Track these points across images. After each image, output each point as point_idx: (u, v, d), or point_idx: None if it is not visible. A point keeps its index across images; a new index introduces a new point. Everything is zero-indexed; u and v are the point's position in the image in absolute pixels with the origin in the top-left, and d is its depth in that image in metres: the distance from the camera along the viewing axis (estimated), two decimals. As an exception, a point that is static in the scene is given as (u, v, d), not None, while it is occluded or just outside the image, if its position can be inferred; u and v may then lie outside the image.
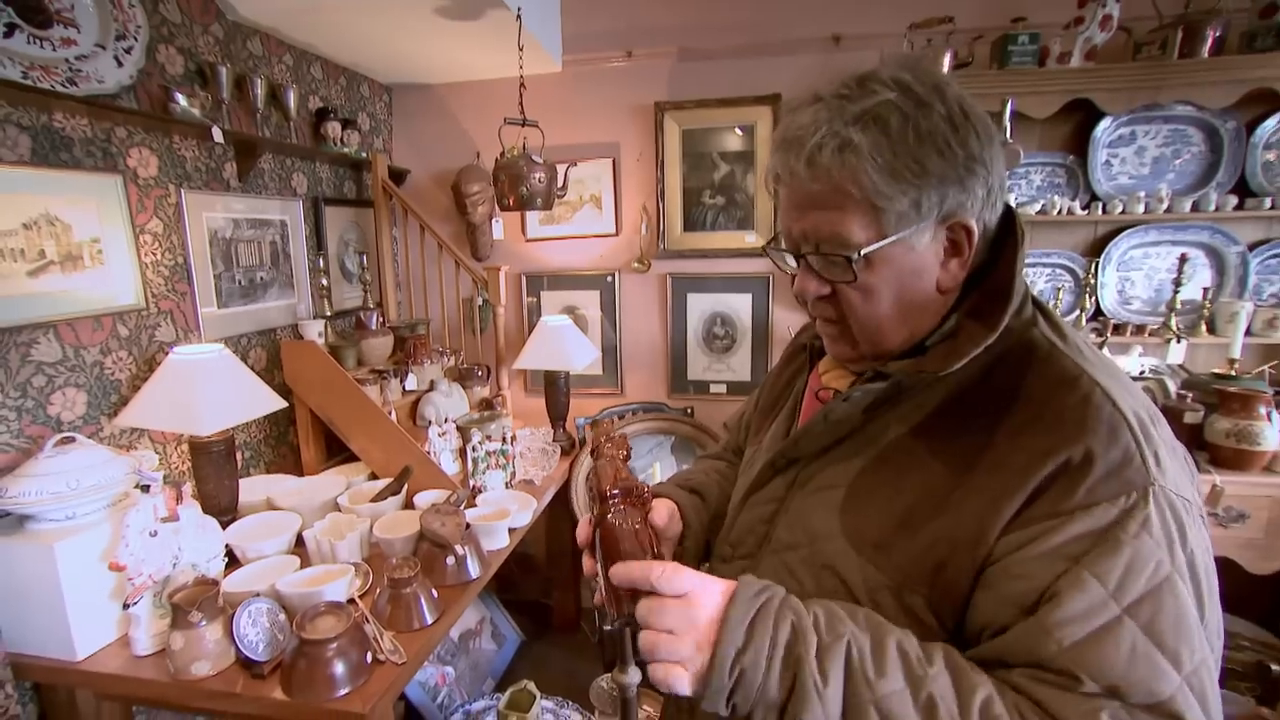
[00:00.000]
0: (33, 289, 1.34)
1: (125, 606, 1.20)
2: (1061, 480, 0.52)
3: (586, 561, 0.70)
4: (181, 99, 1.60)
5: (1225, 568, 1.86)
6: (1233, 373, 1.91)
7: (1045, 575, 0.50)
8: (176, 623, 1.17)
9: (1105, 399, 0.54)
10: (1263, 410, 1.74)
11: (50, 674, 1.23)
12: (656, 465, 2.25)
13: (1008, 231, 0.62)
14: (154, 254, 1.63)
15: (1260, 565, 1.79)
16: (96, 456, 1.27)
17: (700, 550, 0.79)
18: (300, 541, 1.59)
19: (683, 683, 0.53)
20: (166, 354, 1.55)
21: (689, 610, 0.54)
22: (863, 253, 0.58)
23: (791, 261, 0.65)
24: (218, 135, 1.68)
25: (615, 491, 0.67)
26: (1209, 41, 1.84)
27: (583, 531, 0.70)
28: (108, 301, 1.50)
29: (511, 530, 1.76)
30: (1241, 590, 2.13)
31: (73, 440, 1.30)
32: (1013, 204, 0.64)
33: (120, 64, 1.48)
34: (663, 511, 0.73)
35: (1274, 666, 1.86)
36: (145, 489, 1.31)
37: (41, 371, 1.37)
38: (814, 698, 0.50)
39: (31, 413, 1.35)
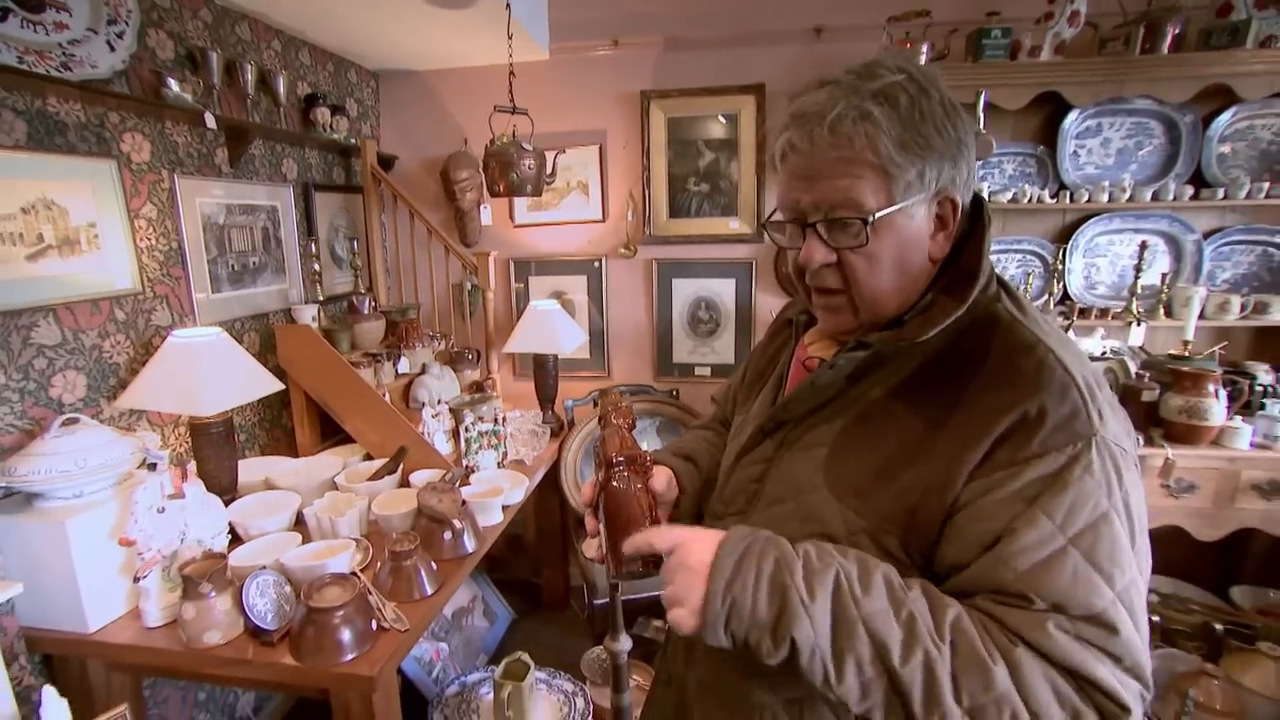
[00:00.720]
0: (32, 273, 1.36)
1: (136, 580, 1.25)
2: (1019, 432, 0.59)
3: (590, 521, 0.77)
4: (173, 84, 1.61)
5: (1175, 535, 1.99)
6: (1186, 354, 2.03)
7: (1004, 517, 0.58)
8: (188, 594, 1.22)
9: (1057, 363, 0.62)
10: (1211, 388, 1.85)
11: (63, 646, 1.28)
12: (644, 445, 2.32)
13: (976, 216, 0.70)
14: (149, 239, 1.65)
15: (1207, 533, 1.92)
16: (102, 437, 1.31)
17: (694, 512, 0.86)
18: (300, 519, 1.64)
19: (685, 620, 0.61)
20: (163, 338, 1.58)
21: (683, 557, 0.63)
22: (877, 215, 0.63)
23: (783, 238, 0.71)
24: (210, 121, 1.69)
25: (620, 459, 0.73)
26: (1169, 38, 1.93)
27: (587, 493, 0.77)
28: (105, 285, 1.52)
29: (505, 507, 1.82)
30: (1190, 557, 2.28)
31: (77, 421, 1.33)
32: (983, 193, 0.71)
33: (112, 49, 1.49)
34: (661, 479, 0.81)
35: (1218, 627, 2.00)
36: (152, 467, 1.35)
37: (42, 354, 1.39)
38: (802, 614, 0.57)
39: (34, 395, 1.38)
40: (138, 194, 1.61)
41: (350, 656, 1.20)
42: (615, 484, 0.72)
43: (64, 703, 0.95)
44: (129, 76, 1.56)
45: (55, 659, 1.34)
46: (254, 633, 1.25)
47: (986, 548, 0.59)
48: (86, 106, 1.46)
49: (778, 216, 0.71)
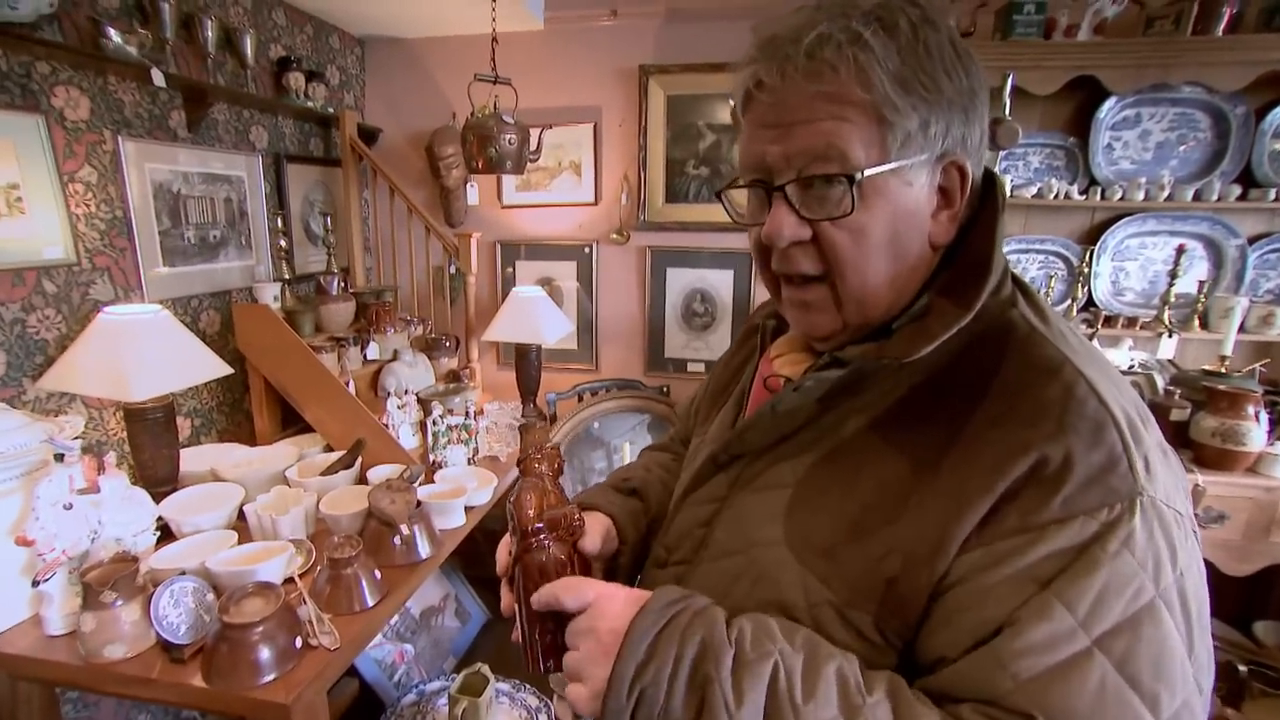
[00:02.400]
0: (-60, 237, 1.23)
1: (35, 584, 1.13)
2: (1034, 486, 0.45)
3: (505, 596, 0.62)
4: (115, 35, 1.46)
5: (1201, 569, 1.83)
6: (1223, 370, 1.85)
7: (1009, 602, 0.43)
8: (88, 603, 1.09)
9: (1090, 392, 0.47)
10: (1251, 410, 1.68)
11: (-44, 651, 1.16)
12: (628, 445, 2.19)
13: (986, 198, 0.54)
14: (86, 205, 1.51)
15: (1235, 567, 1.75)
16: (8, 422, 1.18)
17: (637, 562, 0.71)
18: (243, 516, 1.51)
19: (583, 702, 0.48)
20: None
21: (591, 621, 0.50)
22: (866, 173, 0.48)
23: (742, 211, 0.56)
24: (158, 79, 1.55)
25: (539, 525, 0.58)
26: (1225, 18, 1.73)
27: (502, 559, 0.63)
28: (30, 254, 1.39)
29: (469, 509, 1.69)
30: (1215, 590, 2.10)
31: (-16, 403, 1.21)
32: (996, 170, 0.54)
33: (41, -9, 1.35)
34: (596, 534, 0.65)
35: (1241, 667, 1.84)
36: (59, 458, 1.22)
37: (-47, 328, 1.27)
38: None
39: (-58, 372, 1.26)
40: (73, 155, 1.47)
41: (268, 679, 1.08)
42: (532, 556, 0.57)
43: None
44: (61, 22, 1.41)
45: (-47, 664, 1.23)
46: (164, 647, 1.12)
47: (981, 641, 0.44)
48: (8, 54, 1.32)
49: (740, 183, 0.55)
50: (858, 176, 0.48)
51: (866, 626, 0.49)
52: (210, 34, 1.76)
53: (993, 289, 0.52)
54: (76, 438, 1.26)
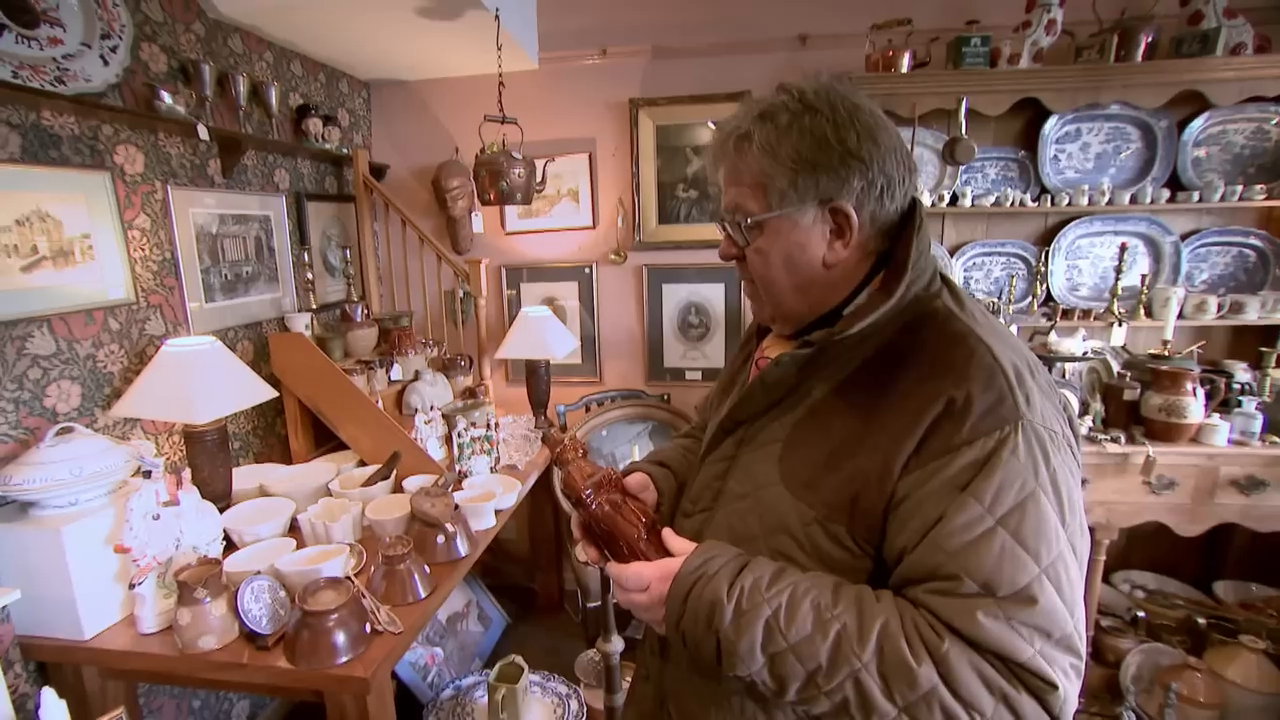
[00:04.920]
0: (26, 284, 1.38)
1: (131, 586, 1.26)
2: (948, 420, 0.62)
3: (592, 552, 0.81)
4: (167, 96, 1.63)
5: (1158, 531, 2.03)
6: (1166, 353, 2.07)
7: (941, 504, 0.61)
8: (183, 600, 1.23)
9: (986, 352, 0.65)
10: (1189, 387, 1.89)
11: (59, 653, 1.29)
12: (635, 448, 2.35)
13: (908, 219, 0.74)
14: (142, 249, 1.66)
15: (1187, 528, 1.95)
16: (97, 445, 1.32)
17: (672, 511, 0.90)
18: (294, 526, 1.65)
19: (659, 629, 0.72)
20: (157, 347, 1.59)
21: (649, 598, 0.72)
22: (751, 220, 0.73)
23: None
24: (204, 133, 1.71)
25: (588, 489, 0.77)
26: (1142, 46, 1.98)
27: (578, 534, 0.83)
28: (99, 296, 1.54)
29: (498, 511, 1.84)
30: (1174, 552, 2.32)
31: (72, 430, 1.35)
32: (921, 196, 0.76)
33: (106, 62, 1.51)
34: (635, 481, 0.86)
35: (1201, 621, 2.04)
36: (147, 475, 1.36)
37: (37, 364, 1.41)
38: (733, 654, 0.65)
39: (28, 405, 1.39)
40: (131, 205, 1.63)
41: (344, 659, 1.22)
42: (596, 510, 0.77)
43: (63, 704, 0.97)
44: (122, 89, 1.58)
45: (50, 666, 1.35)
46: (249, 637, 1.27)
47: (924, 534, 0.62)
48: (80, 120, 1.48)
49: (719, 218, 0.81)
50: (748, 221, 0.73)
51: (843, 536, 0.67)
52: (242, 89, 1.93)
53: (923, 286, 0.71)
54: (155, 458, 1.40)
